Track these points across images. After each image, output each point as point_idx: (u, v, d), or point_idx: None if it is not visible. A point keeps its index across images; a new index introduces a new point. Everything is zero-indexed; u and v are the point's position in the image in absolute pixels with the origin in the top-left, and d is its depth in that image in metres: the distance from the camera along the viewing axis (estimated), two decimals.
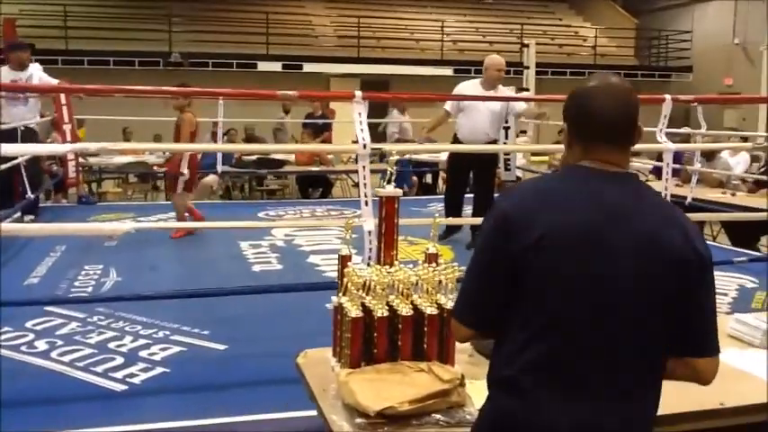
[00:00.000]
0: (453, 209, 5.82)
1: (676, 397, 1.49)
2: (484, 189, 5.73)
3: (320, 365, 2.19)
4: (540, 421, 1.36)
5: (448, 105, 5.84)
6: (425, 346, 2.10)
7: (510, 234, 1.39)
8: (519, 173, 9.35)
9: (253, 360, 3.25)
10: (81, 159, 8.25)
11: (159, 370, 3.18)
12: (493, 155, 5.82)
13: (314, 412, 2.02)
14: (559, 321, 1.36)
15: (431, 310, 2.09)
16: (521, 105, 5.87)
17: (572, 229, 1.36)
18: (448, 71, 16.46)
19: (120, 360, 3.28)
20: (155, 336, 3.60)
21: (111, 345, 3.47)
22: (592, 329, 1.36)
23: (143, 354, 3.36)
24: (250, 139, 11.49)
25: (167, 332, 3.64)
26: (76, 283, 4.60)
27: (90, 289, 4.48)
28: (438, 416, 1.83)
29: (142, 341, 3.52)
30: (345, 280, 2.17)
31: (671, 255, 1.35)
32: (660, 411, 1.44)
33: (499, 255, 1.41)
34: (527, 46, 9.62)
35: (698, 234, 1.43)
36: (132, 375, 3.11)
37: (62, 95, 7.29)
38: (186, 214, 6.04)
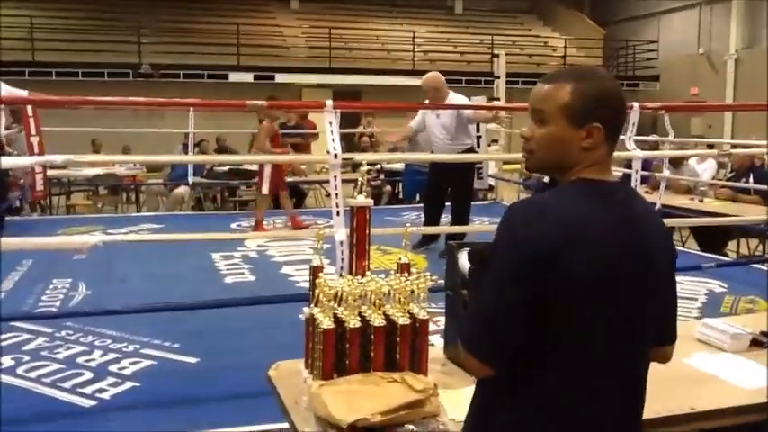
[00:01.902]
0: (432, 218, 5.86)
1: (647, 402, 1.49)
2: (459, 198, 5.80)
3: (292, 377, 2.16)
4: None
5: (413, 122, 6.10)
6: (398, 356, 2.09)
7: (542, 273, 1.28)
8: (491, 181, 9.42)
9: (224, 373, 3.21)
10: (50, 172, 8.12)
11: (129, 384, 3.13)
12: (464, 164, 5.87)
13: (286, 425, 2.00)
14: (599, 357, 1.35)
15: (403, 320, 2.08)
16: (469, 111, 5.96)
17: (604, 262, 1.31)
18: (419, 81, 16.52)
19: (88, 375, 3.22)
20: (125, 350, 3.54)
21: (80, 359, 3.41)
22: (608, 369, 1.37)
23: (113, 368, 3.30)
24: (222, 149, 11.41)
25: (137, 346, 3.59)
26: (44, 298, 4.51)
27: (58, 303, 4.41)
28: (411, 426, 1.82)
29: (112, 355, 3.46)
30: (317, 291, 2.15)
31: (662, 259, 1.42)
32: None
33: (531, 290, 1.30)
34: (497, 56, 9.71)
35: (671, 236, 1.53)
36: (101, 390, 3.06)
37: (29, 108, 7.16)
38: (289, 223, 6.84)
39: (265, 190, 6.77)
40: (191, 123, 8.99)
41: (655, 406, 1.81)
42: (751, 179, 6.68)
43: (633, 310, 1.37)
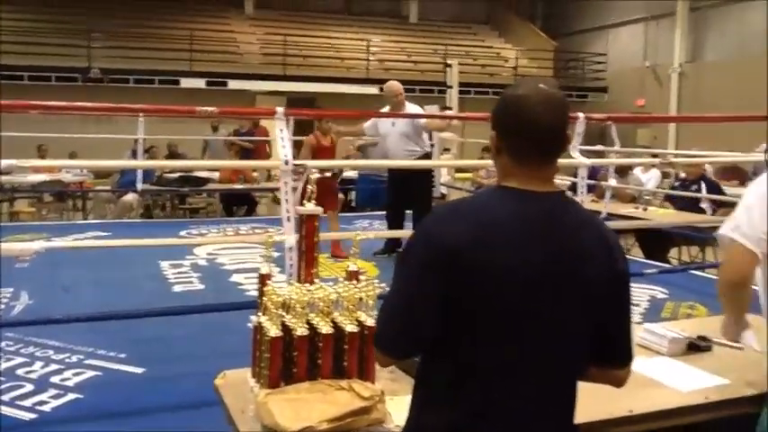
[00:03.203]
0: (394, 225, 5.94)
1: (586, 404, 1.53)
2: (419, 203, 5.87)
3: (239, 386, 2.15)
4: None
5: (365, 125, 6.26)
6: (346, 363, 2.09)
7: (448, 269, 1.31)
8: (444, 189, 9.51)
9: (171, 383, 3.16)
10: None
11: (72, 396, 3.06)
12: (422, 170, 5.97)
13: None
14: (491, 360, 1.36)
15: (351, 328, 2.09)
16: (424, 120, 6.10)
17: (514, 267, 1.32)
18: (374, 89, 16.58)
19: (29, 387, 3.13)
20: (68, 360, 3.45)
21: (20, 371, 3.31)
22: (529, 367, 1.37)
23: (55, 380, 3.22)
24: (173, 156, 11.24)
25: (81, 356, 3.50)
26: None
27: None
28: None
29: (54, 366, 3.38)
30: (265, 299, 2.15)
31: (595, 272, 1.37)
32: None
33: (434, 287, 1.33)
34: (450, 66, 9.83)
35: (620, 250, 1.44)
36: (42, 403, 2.97)
37: None
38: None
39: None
40: (140, 129, 8.84)
41: (593, 409, 1.86)
42: (704, 188, 6.88)
43: (543, 321, 1.35)
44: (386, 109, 6.02)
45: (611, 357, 1.46)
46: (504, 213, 1.35)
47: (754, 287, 1.98)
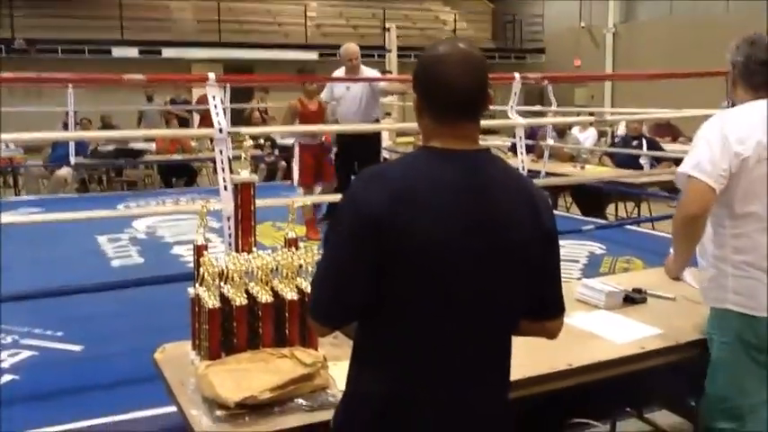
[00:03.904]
0: (341, 190, 5.84)
1: (527, 360, 1.56)
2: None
3: (179, 360, 2.11)
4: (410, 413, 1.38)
5: (323, 94, 6.00)
6: (287, 331, 2.07)
7: (373, 236, 1.31)
8: (386, 153, 9.48)
9: (111, 359, 3.10)
10: None
11: (7, 377, 2.97)
12: (372, 136, 5.89)
13: (174, 408, 1.95)
14: (422, 325, 1.36)
15: (291, 296, 2.07)
16: (383, 83, 6.00)
17: (435, 232, 1.32)
18: (313, 55, 16.37)
19: None
20: (2, 341, 3.34)
21: None
22: (461, 332, 1.37)
23: None
24: (107, 128, 10.89)
25: (16, 336, 3.40)
26: None
27: None
28: (301, 401, 1.81)
29: None
30: (202, 270, 2.10)
31: (521, 234, 1.36)
32: (512, 377, 1.49)
33: (361, 254, 1.33)
34: (388, 30, 9.75)
35: (547, 209, 1.44)
36: None
37: None
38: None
39: (296, 182, 5.83)
40: (70, 101, 8.52)
41: (535, 364, 1.89)
42: (644, 145, 7.05)
43: (469, 285, 1.35)
44: (340, 72, 5.88)
45: (542, 311, 1.48)
46: (427, 176, 1.35)
47: None
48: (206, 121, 10.50)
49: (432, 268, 1.33)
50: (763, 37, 2.12)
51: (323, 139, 5.86)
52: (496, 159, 1.44)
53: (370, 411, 1.40)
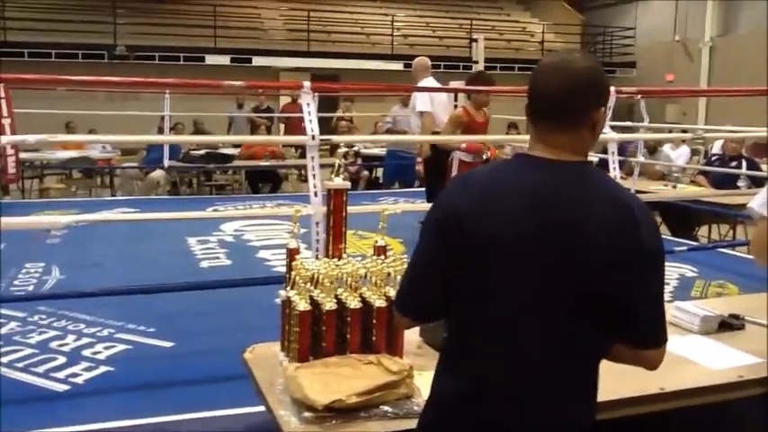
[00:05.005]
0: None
1: (617, 383, 1.52)
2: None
3: (268, 360, 2.17)
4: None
5: (426, 107, 5.96)
6: (374, 338, 2.10)
7: (452, 236, 1.36)
8: None
9: (200, 357, 3.19)
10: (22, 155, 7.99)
11: (103, 369, 3.10)
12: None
13: (263, 408, 2.00)
14: (495, 332, 1.37)
15: (379, 303, 2.10)
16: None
17: (509, 231, 1.32)
18: (398, 65, 16.50)
19: (62, 359, 3.18)
20: (98, 334, 3.50)
21: (53, 344, 3.36)
22: (528, 343, 1.35)
23: (86, 353, 3.27)
24: (199, 132, 11.32)
25: (112, 330, 3.55)
26: (17, 282, 4.45)
27: (31, 288, 4.34)
28: (386, 408, 1.83)
29: (86, 340, 3.42)
30: (293, 273, 2.16)
31: (606, 252, 1.30)
32: (600, 397, 1.46)
33: (440, 253, 1.40)
34: (476, 41, 9.71)
35: (648, 226, 1.35)
36: (75, 375, 3.02)
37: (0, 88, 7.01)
38: None
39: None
40: (166, 105, 8.90)
41: (624, 386, 1.85)
42: (744, 166, 6.74)
43: (537, 295, 1.33)
44: (430, 81, 5.95)
45: (640, 338, 1.39)
46: (510, 180, 1.38)
47: None
48: (289, 128, 10.78)
49: (498, 274, 1.34)
50: None
51: (487, 155, 5.33)
52: (593, 172, 1.40)
53: (440, 411, 1.44)
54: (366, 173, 10.02)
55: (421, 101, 6.02)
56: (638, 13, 19.48)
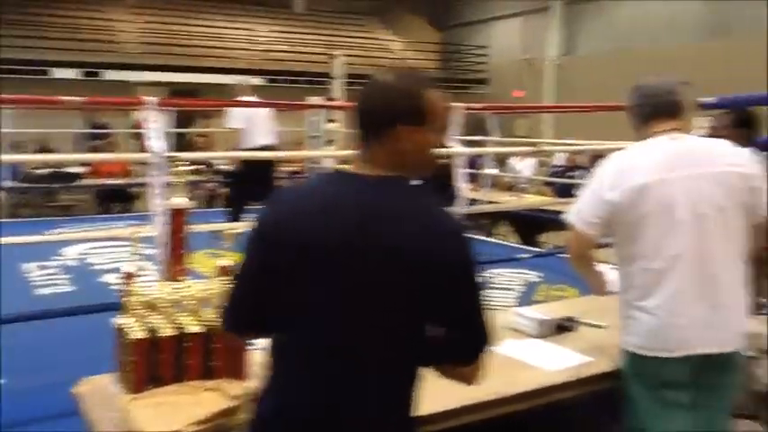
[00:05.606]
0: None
1: (450, 391, 1.53)
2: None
3: (102, 393, 2.04)
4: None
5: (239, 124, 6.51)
6: (215, 363, 2.03)
7: (261, 248, 1.41)
8: None
9: (33, 393, 2.95)
10: None
11: None
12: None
13: None
14: (304, 344, 1.39)
15: (220, 326, 2.03)
16: None
17: (326, 241, 1.33)
18: (260, 80, 16.31)
19: None
20: None
21: None
22: (342, 338, 1.36)
23: None
24: (44, 151, 10.58)
25: None
26: None
27: None
28: None
29: None
30: (128, 299, 2.04)
31: (414, 267, 1.29)
32: (431, 409, 1.47)
33: (252, 266, 1.44)
34: (335, 57, 9.80)
35: (458, 240, 1.34)
36: None
37: None
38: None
39: None
40: (4, 122, 8.25)
41: (461, 394, 1.88)
42: (581, 176, 7.20)
43: (343, 311, 1.33)
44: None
45: (452, 352, 1.37)
46: (322, 196, 1.40)
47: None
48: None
49: (314, 282, 1.35)
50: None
51: None
52: (405, 187, 1.39)
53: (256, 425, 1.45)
54: (223, 189, 9.75)
55: (234, 118, 6.43)
56: (491, 33, 20.45)
